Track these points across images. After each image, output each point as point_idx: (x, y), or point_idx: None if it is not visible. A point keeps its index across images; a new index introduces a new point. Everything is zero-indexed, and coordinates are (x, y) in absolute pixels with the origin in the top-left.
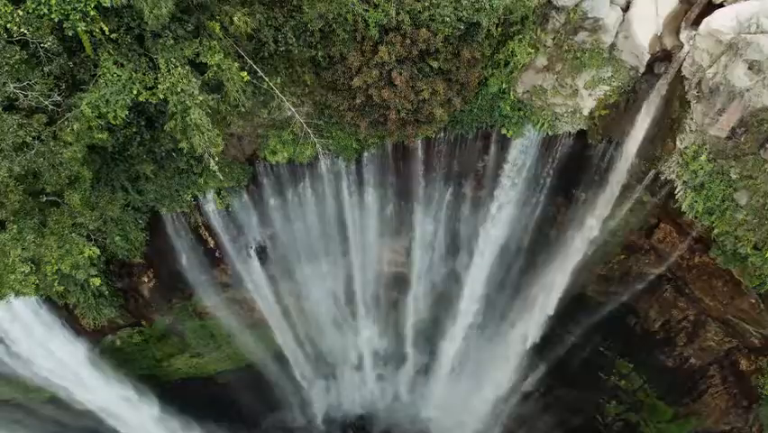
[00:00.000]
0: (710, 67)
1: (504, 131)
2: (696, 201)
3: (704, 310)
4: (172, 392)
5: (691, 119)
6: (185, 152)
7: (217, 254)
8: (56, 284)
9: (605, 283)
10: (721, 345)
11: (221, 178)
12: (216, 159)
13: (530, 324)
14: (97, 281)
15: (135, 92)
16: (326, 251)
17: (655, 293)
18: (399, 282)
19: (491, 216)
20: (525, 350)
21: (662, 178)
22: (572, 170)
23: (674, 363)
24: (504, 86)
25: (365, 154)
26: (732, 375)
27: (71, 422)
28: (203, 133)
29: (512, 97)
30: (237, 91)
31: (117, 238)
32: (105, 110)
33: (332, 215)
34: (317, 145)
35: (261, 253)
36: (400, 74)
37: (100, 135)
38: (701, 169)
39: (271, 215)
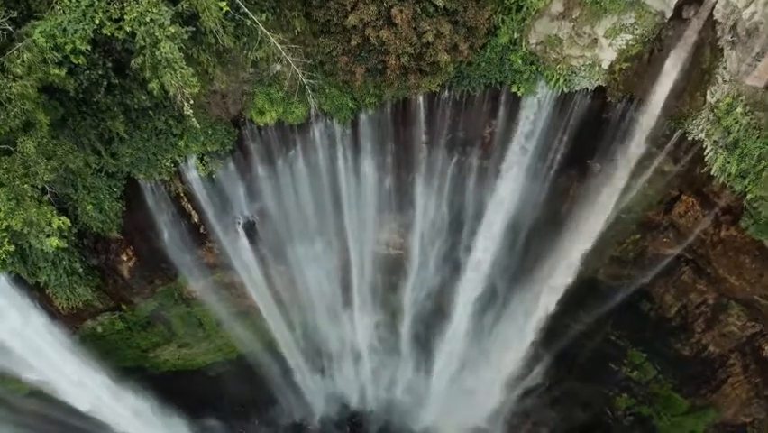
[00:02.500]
0: (747, 6)
1: (514, 88)
2: (728, 162)
3: (727, 292)
4: (160, 386)
5: (724, 68)
6: (155, 93)
7: (202, 230)
8: (6, 243)
9: (618, 266)
10: (743, 331)
11: (196, 125)
12: (192, 102)
13: (535, 312)
14: (54, 242)
15: (98, 21)
16: (320, 229)
17: (672, 276)
18: (398, 267)
19: (498, 190)
20: (528, 344)
21: (689, 139)
22: (587, 136)
23: (691, 352)
24: (515, 35)
25: (362, 116)
26: (754, 363)
27: (58, 417)
28: (175, 71)
29: (524, 49)
30: (215, 22)
31: (89, 208)
32: (62, 40)
33: (326, 187)
34: (310, 97)
35: (250, 229)
36: (401, 11)
37: (57, 72)
38: (735, 123)
39: (260, 186)
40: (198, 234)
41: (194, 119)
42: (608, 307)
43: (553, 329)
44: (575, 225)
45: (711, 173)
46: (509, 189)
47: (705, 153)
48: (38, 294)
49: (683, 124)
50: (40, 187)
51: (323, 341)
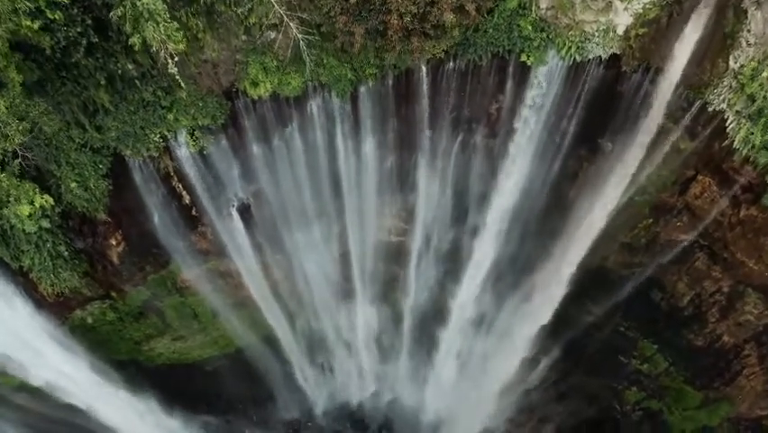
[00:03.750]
0: None
1: (523, 57)
2: (752, 133)
3: (744, 278)
4: (155, 381)
5: (749, 31)
6: (136, 48)
7: (194, 213)
8: None
9: (628, 254)
10: (760, 319)
11: (182, 86)
12: (176, 59)
13: (542, 304)
14: (26, 211)
15: None
16: (319, 214)
17: (685, 263)
18: (401, 254)
19: (505, 172)
20: (533, 335)
21: (709, 110)
22: (599, 112)
23: (704, 343)
24: None
25: (361, 89)
26: None
27: (48, 412)
28: (157, 24)
29: (534, 14)
30: None
31: (73, 185)
32: None
33: (324, 167)
34: (305, 54)
35: (245, 212)
36: None
37: (29, 23)
38: (761, 89)
39: (255, 166)
40: (190, 217)
41: (181, 82)
42: (617, 297)
43: (560, 321)
44: (584, 210)
45: (733, 146)
46: (516, 171)
47: (727, 125)
48: (22, 280)
49: (703, 94)
50: (11, 150)
51: (322, 334)
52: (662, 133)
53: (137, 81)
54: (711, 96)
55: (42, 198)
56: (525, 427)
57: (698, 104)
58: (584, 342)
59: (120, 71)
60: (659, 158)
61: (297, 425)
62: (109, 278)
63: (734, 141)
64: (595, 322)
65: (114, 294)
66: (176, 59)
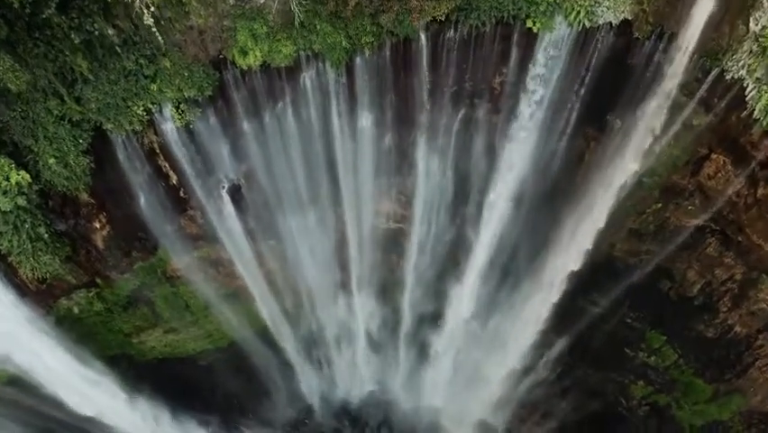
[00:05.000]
0: None
1: (529, 23)
2: None
3: (758, 264)
4: (147, 375)
5: None
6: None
7: (182, 194)
8: None
9: (636, 240)
10: None
11: (161, 42)
12: (152, 9)
13: (545, 293)
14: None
15: None
16: (313, 197)
17: (696, 250)
18: (400, 242)
19: (509, 150)
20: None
21: (727, 78)
22: (608, 86)
23: (715, 333)
24: None
25: (357, 60)
26: None
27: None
28: None
29: None
30: None
31: (52, 161)
32: None
33: (318, 146)
34: (294, 4)
35: (235, 194)
36: None
37: None
38: None
39: (245, 144)
40: (178, 200)
41: (158, 34)
42: (624, 286)
43: (564, 312)
44: (591, 193)
45: (753, 117)
46: (520, 150)
47: (746, 93)
48: (2, 264)
49: (720, 61)
50: None
51: (319, 327)
52: (674, 107)
53: (118, 48)
54: (729, 63)
55: (18, 175)
56: (527, 422)
57: (714, 72)
58: (589, 334)
59: (98, 35)
60: (670, 135)
61: (295, 422)
62: (93, 264)
63: (753, 111)
64: (600, 313)
65: (99, 281)
66: (152, 9)
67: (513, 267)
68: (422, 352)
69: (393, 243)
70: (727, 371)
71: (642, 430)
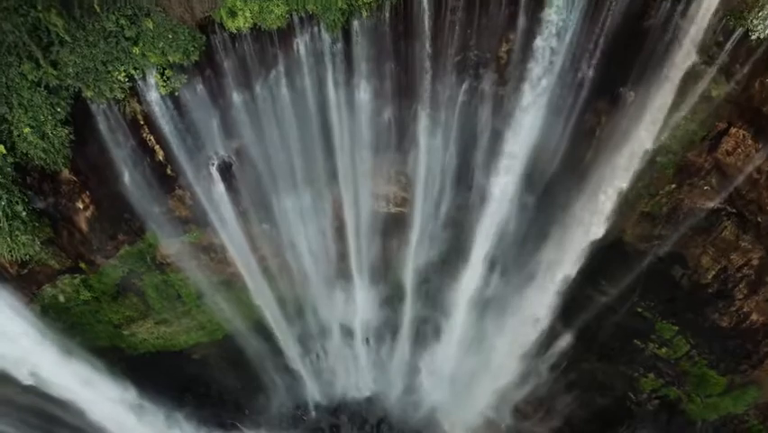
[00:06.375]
0: None
1: None
2: None
3: None
4: (138, 369)
5: None
6: None
7: (170, 172)
8: None
9: (649, 224)
10: None
11: (143, 1)
12: None
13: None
14: None
15: None
16: (309, 176)
17: (711, 234)
18: (400, 227)
19: (515, 126)
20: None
21: (752, 39)
22: (621, 54)
23: (730, 322)
24: None
25: (355, 24)
26: None
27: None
28: None
29: None
30: None
31: (27, 130)
32: None
33: (313, 120)
34: None
35: (226, 172)
36: None
37: None
38: None
39: (236, 117)
40: (166, 177)
41: None
42: (634, 273)
43: (571, 302)
44: (602, 172)
45: None
46: (528, 125)
47: None
48: None
49: (745, 20)
50: None
51: (317, 318)
52: (692, 76)
53: (97, 6)
54: (755, 22)
55: None
56: (531, 418)
57: (738, 33)
58: (597, 325)
59: None
60: (687, 108)
61: (292, 418)
62: (77, 247)
63: None
64: (609, 303)
65: (83, 266)
66: None
67: (517, 253)
68: (425, 341)
69: (394, 227)
70: (743, 362)
71: (651, 426)
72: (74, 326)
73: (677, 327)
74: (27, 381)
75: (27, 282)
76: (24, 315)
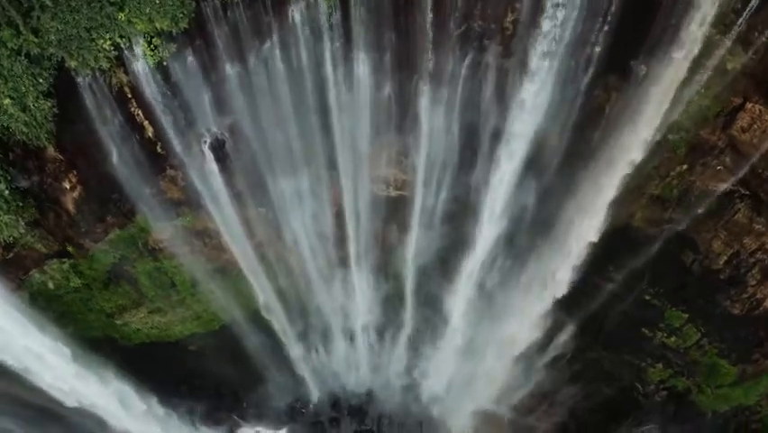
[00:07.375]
0: None
1: None
2: None
3: None
4: (133, 361)
5: None
6: None
7: (159, 150)
8: None
9: (659, 208)
10: None
11: None
12: None
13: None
14: None
15: None
16: (306, 156)
17: (723, 217)
18: (401, 212)
19: (521, 101)
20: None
21: None
22: (632, 26)
23: (742, 310)
24: None
25: None
26: None
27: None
28: None
29: None
30: None
31: (7, 102)
32: None
33: (310, 94)
34: None
35: (219, 150)
36: None
37: None
38: None
39: (229, 92)
40: (156, 156)
41: None
42: (643, 259)
43: (577, 289)
44: (611, 152)
45: None
46: (534, 100)
47: None
48: None
49: None
50: None
51: (315, 307)
52: (706, 47)
53: None
54: None
55: None
56: (535, 411)
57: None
58: (603, 313)
59: None
60: (701, 82)
61: (291, 412)
62: (64, 229)
63: None
64: (616, 290)
65: (71, 249)
66: None
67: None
68: (427, 331)
69: (394, 211)
70: (755, 350)
71: (658, 417)
72: (65, 315)
73: (687, 315)
74: None
75: (13, 267)
76: (11, 301)
